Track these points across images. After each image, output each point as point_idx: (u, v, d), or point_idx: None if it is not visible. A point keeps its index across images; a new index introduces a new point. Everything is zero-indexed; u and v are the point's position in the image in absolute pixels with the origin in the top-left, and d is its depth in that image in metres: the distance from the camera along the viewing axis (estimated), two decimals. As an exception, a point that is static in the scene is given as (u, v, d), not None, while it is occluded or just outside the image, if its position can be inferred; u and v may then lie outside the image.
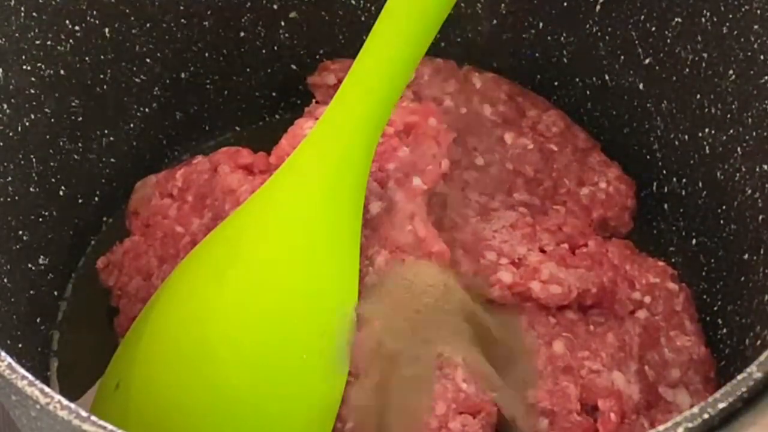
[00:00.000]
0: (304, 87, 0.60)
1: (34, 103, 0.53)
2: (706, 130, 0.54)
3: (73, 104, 0.55)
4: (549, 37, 0.59)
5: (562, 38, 0.59)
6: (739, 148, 0.52)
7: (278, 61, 0.62)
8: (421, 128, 0.53)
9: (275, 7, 0.60)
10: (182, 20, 0.58)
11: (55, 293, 0.56)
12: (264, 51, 0.61)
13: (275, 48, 0.61)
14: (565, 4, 0.58)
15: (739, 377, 0.38)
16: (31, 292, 0.54)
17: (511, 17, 0.60)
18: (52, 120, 0.54)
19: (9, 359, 0.39)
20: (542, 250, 0.53)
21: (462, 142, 0.56)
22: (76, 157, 0.56)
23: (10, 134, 0.51)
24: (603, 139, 0.59)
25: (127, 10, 0.56)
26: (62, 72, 0.54)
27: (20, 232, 0.53)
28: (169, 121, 0.61)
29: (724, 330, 0.53)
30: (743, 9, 0.51)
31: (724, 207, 0.54)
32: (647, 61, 0.56)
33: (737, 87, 0.52)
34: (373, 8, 0.60)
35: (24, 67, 0.52)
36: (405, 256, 0.49)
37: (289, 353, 0.47)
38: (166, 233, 0.55)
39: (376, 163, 0.51)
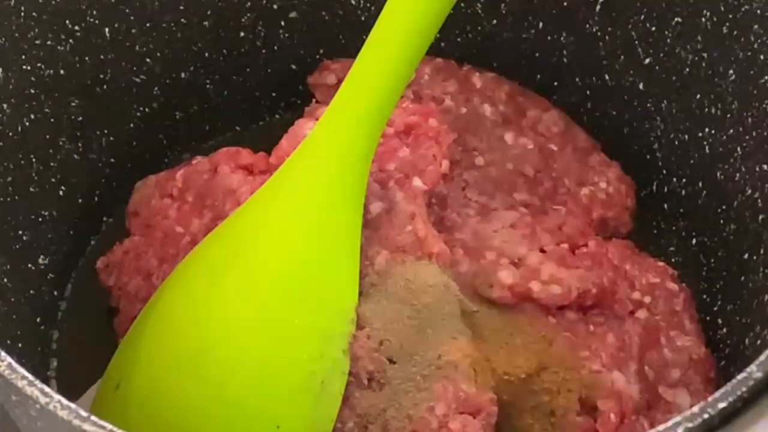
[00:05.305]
0: (304, 87, 0.60)
1: (34, 103, 0.53)
2: (706, 130, 0.54)
3: (73, 104, 0.55)
4: (549, 37, 0.59)
5: (562, 38, 0.59)
6: (739, 148, 0.52)
7: (278, 61, 0.62)
8: (421, 128, 0.53)
9: (275, 7, 0.60)
10: (182, 20, 0.58)
11: (55, 293, 0.56)
12: (264, 51, 0.61)
13: (275, 48, 0.61)
14: (565, 4, 0.58)
15: (739, 377, 0.38)
16: (31, 292, 0.54)
17: (511, 17, 0.60)
18: (52, 120, 0.54)
19: (9, 359, 0.39)
20: (542, 250, 0.53)
21: (462, 142, 0.56)
22: (76, 157, 0.56)
23: (10, 134, 0.51)
24: (603, 139, 0.59)
25: (127, 10, 0.56)
26: (62, 72, 0.54)
27: (20, 232, 0.53)
28: (169, 121, 0.61)
29: (724, 330, 0.53)
30: (743, 9, 0.51)
31: (724, 207, 0.54)
32: (647, 61, 0.56)
33: (737, 87, 0.52)
34: (373, 8, 0.60)
35: (24, 67, 0.52)
36: (405, 256, 0.49)
37: (289, 353, 0.47)
38: (166, 233, 0.54)
39: (377, 164, 0.51)
